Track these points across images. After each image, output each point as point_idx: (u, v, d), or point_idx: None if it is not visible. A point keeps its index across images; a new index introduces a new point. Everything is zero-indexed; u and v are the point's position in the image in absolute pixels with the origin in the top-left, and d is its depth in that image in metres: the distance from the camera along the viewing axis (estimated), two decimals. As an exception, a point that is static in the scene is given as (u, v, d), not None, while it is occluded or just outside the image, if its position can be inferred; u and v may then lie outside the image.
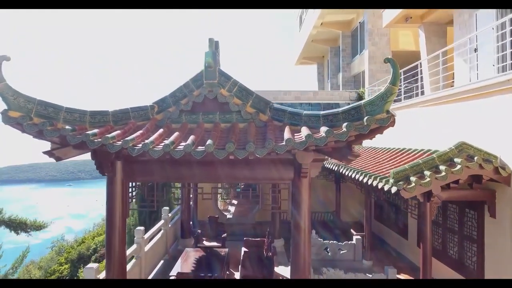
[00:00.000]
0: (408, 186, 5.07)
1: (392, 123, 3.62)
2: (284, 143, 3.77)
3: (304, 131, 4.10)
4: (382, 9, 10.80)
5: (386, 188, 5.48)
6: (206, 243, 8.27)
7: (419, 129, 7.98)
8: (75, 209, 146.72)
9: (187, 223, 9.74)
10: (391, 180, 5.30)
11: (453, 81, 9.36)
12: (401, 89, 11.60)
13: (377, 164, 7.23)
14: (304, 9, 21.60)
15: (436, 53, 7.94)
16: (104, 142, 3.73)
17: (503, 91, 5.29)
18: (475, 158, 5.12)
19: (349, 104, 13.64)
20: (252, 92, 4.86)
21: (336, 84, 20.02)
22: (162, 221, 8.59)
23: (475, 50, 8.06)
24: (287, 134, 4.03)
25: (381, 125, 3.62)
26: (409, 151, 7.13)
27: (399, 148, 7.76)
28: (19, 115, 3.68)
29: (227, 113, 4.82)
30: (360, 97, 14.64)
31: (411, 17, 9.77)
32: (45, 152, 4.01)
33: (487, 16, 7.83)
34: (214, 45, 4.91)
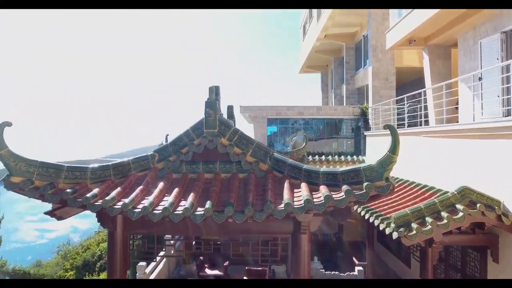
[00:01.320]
0: (409, 234, 5.04)
1: (392, 192, 3.60)
2: (283, 207, 3.76)
3: (304, 188, 4.10)
4: (387, 31, 10.72)
5: (387, 231, 5.45)
6: (208, 271, 8.30)
7: (421, 160, 7.92)
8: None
9: (189, 247, 9.77)
10: (392, 225, 5.27)
11: (457, 106, 9.29)
12: (403, 109, 11.56)
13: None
14: (308, 20, 21.54)
15: (440, 85, 7.86)
16: (104, 206, 3.77)
17: (507, 136, 5.23)
18: (478, 205, 5.07)
19: (352, 120, 13.60)
20: (253, 140, 4.86)
21: (340, 95, 19.95)
22: (163, 252, 8.62)
23: (480, 78, 7.98)
24: (286, 193, 4.02)
25: (380, 193, 3.60)
26: (411, 185, 7.08)
27: (401, 180, 7.71)
28: (20, 180, 3.73)
29: (227, 162, 4.82)
30: (363, 113, 14.59)
31: (414, 40, 9.69)
32: (46, 213, 4.05)
33: (491, 44, 7.74)
34: (214, 93, 4.93)
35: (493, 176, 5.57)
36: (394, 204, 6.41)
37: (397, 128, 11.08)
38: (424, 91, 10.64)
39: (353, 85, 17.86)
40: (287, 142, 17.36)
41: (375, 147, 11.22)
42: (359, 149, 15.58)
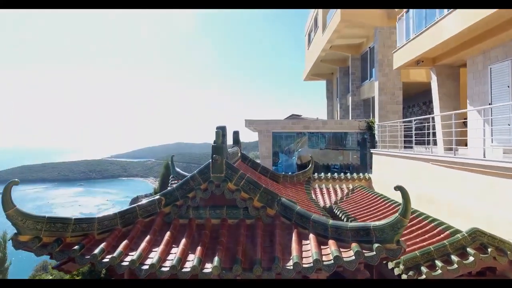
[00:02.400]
0: (419, 278, 4.97)
1: (403, 254, 3.53)
2: (291, 267, 3.72)
3: (312, 241, 4.06)
4: (394, 51, 10.59)
5: (396, 272, 5.38)
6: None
7: (429, 187, 7.82)
8: (87, 209, 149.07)
9: None
10: (402, 266, 5.20)
11: (465, 121, 9.14)
12: (411, 125, 11.44)
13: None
14: (313, 28, 21.41)
15: (449, 113, 7.74)
16: (112, 263, 3.75)
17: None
18: (489, 250, 4.98)
19: (358, 133, 13.48)
20: (260, 185, 4.82)
21: (346, 104, 19.83)
22: None
23: (490, 103, 7.85)
24: (294, 248, 3.97)
25: (391, 256, 3.53)
26: (420, 216, 6.97)
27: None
28: (28, 239, 3.73)
29: (234, 208, 4.79)
30: (369, 127, 14.48)
31: (422, 61, 9.56)
32: (55, 267, 4.04)
33: (501, 70, 7.61)
34: (220, 136, 4.90)
35: (504, 215, 5.47)
36: (402, 238, 6.32)
37: (404, 146, 10.98)
38: (431, 104, 10.52)
39: (359, 97, 17.72)
40: (291, 150, 17.29)
41: (381, 166, 11.11)
42: (365, 162, 15.48)
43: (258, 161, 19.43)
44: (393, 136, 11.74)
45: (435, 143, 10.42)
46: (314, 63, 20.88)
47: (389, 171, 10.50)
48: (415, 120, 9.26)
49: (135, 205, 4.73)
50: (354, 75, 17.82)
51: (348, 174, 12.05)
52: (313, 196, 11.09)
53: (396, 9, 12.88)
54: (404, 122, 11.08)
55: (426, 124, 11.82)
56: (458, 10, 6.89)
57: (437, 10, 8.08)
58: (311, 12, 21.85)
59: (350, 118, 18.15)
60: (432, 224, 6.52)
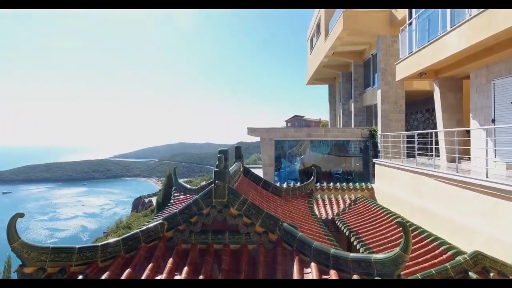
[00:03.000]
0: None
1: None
2: (293, 299, 3.74)
3: (314, 270, 4.08)
4: (396, 62, 10.57)
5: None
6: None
7: (431, 203, 7.81)
8: (90, 209, 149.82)
9: None
10: (403, 289, 5.20)
11: (468, 130, 9.09)
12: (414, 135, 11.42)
13: (381, 239, 7.14)
14: (315, 34, 21.39)
15: (451, 130, 7.71)
16: (115, 295, 3.79)
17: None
18: (491, 274, 4.98)
19: (360, 141, 13.48)
20: (262, 210, 4.85)
21: (348, 110, 19.80)
22: None
23: (493, 120, 7.83)
24: (296, 275, 4.00)
25: (391, 291, 3.54)
26: (422, 234, 6.97)
27: (411, 225, 7.60)
28: (33, 270, 3.78)
29: (236, 233, 4.81)
30: (372, 135, 14.45)
31: (425, 73, 9.53)
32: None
33: (505, 86, 7.58)
34: (223, 161, 4.93)
35: (506, 238, 5.46)
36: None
37: (407, 155, 10.96)
38: (434, 111, 10.49)
39: (361, 103, 17.70)
40: (293, 155, 17.30)
41: (384, 176, 11.10)
42: (367, 169, 15.46)
43: (259, 165, 19.41)
44: (395, 147, 11.74)
45: (437, 149, 10.41)
46: (316, 69, 20.86)
47: (391, 183, 10.49)
48: (418, 134, 9.25)
49: (138, 230, 4.77)
50: (356, 81, 17.80)
51: (351, 184, 12.05)
52: (315, 207, 11.12)
53: (399, 17, 12.88)
54: (407, 134, 11.04)
55: (429, 139, 11.84)
56: (460, 28, 6.86)
57: (440, 24, 8.06)
58: (313, 17, 21.84)
59: (352, 124, 18.14)
60: (435, 244, 6.51)
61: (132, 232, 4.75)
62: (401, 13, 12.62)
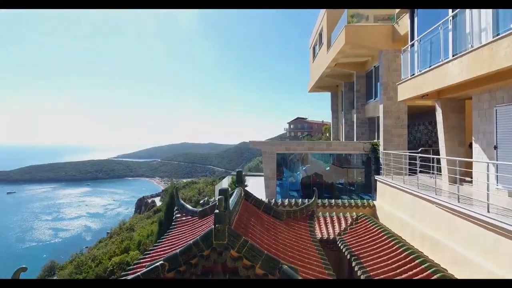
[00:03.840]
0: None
1: None
2: None
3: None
4: (398, 83, 10.53)
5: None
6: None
7: (433, 229, 7.78)
8: (93, 209, 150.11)
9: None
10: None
11: (471, 144, 9.05)
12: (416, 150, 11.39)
13: (381, 266, 7.13)
14: (318, 43, 21.36)
15: (454, 158, 7.68)
16: None
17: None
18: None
19: (362, 155, 13.44)
20: (262, 252, 4.87)
21: (350, 119, 19.77)
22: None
23: (495, 147, 7.79)
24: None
25: None
26: (422, 264, 6.96)
27: (409, 251, 7.58)
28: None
29: (236, 275, 4.84)
30: (374, 149, 14.42)
31: (427, 94, 9.49)
32: None
33: (508, 113, 7.53)
34: (223, 203, 4.95)
35: (507, 276, 5.44)
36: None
37: (409, 172, 10.93)
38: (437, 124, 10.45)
39: (364, 114, 17.66)
40: (296, 164, 17.31)
41: (385, 195, 11.07)
42: (369, 181, 15.44)
43: (261, 172, 19.29)
44: (397, 162, 11.71)
45: (439, 165, 10.36)
46: (319, 78, 20.85)
47: (393, 202, 10.47)
48: (420, 151, 9.21)
49: (138, 273, 4.80)
50: (359, 92, 17.76)
51: (352, 201, 12.03)
52: (317, 225, 11.13)
53: (402, 33, 12.83)
54: (409, 154, 11.00)
55: (431, 156, 11.79)
56: (462, 59, 6.83)
57: (442, 48, 8.02)
58: (316, 25, 21.79)
59: (355, 135, 18.11)
60: (436, 276, 6.50)
61: (133, 276, 4.78)
62: (403, 29, 12.58)
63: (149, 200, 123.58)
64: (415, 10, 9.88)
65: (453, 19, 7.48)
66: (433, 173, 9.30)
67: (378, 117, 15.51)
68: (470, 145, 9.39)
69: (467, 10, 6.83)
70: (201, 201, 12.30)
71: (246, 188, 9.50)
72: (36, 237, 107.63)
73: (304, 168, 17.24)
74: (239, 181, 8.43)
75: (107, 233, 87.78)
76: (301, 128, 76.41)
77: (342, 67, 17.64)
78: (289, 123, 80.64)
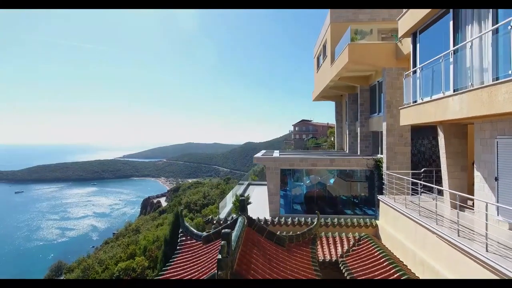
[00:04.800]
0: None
1: None
2: None
3: None
4: (401, 107, 10.60)
5: None
6: None
7: (433, 259, 7.87)
8: (100, 208, 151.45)
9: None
10: None
11: (473, 163, 9.08)
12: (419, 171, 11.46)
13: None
14: (321, 54, 21.43)
15: (454, 192, 7.75)
16: None
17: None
18: None
19: (366, 171, 13.52)
20: (262, 297, 5.02)
21: (354, 131, 19.83)
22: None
23: (496, 179, 7.84)
24: None
25: None
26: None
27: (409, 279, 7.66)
28: None
29: (238, 320, 5.00)
30: (377, 165, 14.49)
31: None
32: None
33: (509, 146, 7.58)
34: (225, 250, 5.12)
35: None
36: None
37: (411, 194, 11.00)
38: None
39: (367, 128, 17.71)
40: (299, 176, 17.43)
41: (388, 216, 11.15)
42: (373, 195, 15.50)
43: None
44: (400, 180, 11.80)
45: (441, 194, 10.43)
46: (323, 89, 20.92)
47: (395, 224, 10.55)
48: (421, 185, 9.29)
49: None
50: (362, 106, 17.81)
51: (355, 220, 12.12)
52: (319, 247, 11.24)
53: (405, 52, 12.87)
54: (411, 180, 11.06)
55: (434, 178, 11.84)
56: (462, 97, 6.90)
57: (443, 79, 8.07)
58: (320, 36, 21.83)
59: (358, 148, 18.16)
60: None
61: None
62: (406, 48, 12.62)
63: (155, 201, 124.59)
64: (417, 35, 9.94)
65: (454, 53, 7.54)
66: (436, 195, 9.37)
67: (381, 132, 15.57)
68: (473, 163, 9.42)
69: (468, 48, 6.90)
70: (205, 219, 12.49)
71: (251, 197, 9.69)
72: (44, 236, 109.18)
73: (308, 182, 17.36)
74: (242, 210, 8.58)
75: (113, 233, 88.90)
76: (306, 130, 76.37)
77: (346, 80, 17.70)
78: (294, 125, 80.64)
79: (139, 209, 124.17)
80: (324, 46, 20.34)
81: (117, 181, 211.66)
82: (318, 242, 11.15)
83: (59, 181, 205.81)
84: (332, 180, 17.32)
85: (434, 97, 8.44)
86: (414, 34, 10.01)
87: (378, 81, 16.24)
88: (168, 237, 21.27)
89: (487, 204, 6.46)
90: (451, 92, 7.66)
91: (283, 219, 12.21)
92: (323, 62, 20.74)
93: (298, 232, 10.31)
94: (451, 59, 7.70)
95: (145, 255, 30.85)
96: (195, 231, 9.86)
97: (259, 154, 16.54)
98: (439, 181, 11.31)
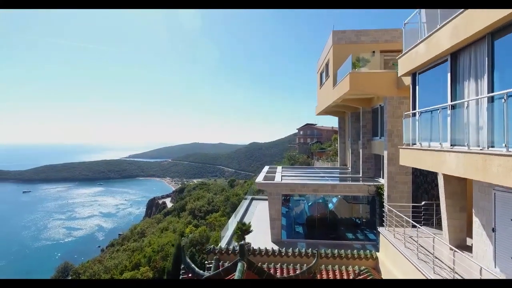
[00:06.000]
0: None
1: None
2: None
3: None
4: (401, 147, 10.65)
5: None
6: None
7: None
8: (106, 208, 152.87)
9: None
10: None
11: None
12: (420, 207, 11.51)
13: None
14: (324, 70, 21.48)
15: (453, 249, 7.82)
16: None
17: None
18: None
19: (368, 197, 13.59)
20: None
21: (357, 150, 19.87)
22: None
23: (493, 230, 7.89)
24: None
25: None
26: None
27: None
28: None
29: None
30: (379, 193, 14.55)
31: (430, 164, 9.60)
32: None
33: (506, 201, 7.62)
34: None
35: None
36: None
37: (412, 226, 11.06)
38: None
39: (370, 150, 17.75)
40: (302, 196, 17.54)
41: (388, 251, 11.23)
42: (375, 217, 15.58)
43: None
44: (400, 211, 11.87)
45: (440, 228, 10.47)
46: (325, 108, 20.98)
47: (394, 262, 10.63)
48: (423, 223, 9.35)
49: None
50: (365, 128, 17.85)
51: (355, 252, 12.21)
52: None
53: (406, 83, 12.89)
54: (411, 221, 11.12)
55: (435, 212, 11.88)
56: (459, 156, 6.97)
57: (440, 131, 8.10)
58: (323, 55, 21.87)
59: (361, 169, 18.22)
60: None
61: None
62: (408, 78, 12.66)
63: (160, 201, 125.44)
64: (416, 75, 9.99)
65: (451, 108, 7.60)
66: (434, 237, 9.42)
67: (383, 156, 15.62)
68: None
69: (464, 107, 6.95)
70: (207, 249, 12.67)
71: (254, 214, 9.85)
72: (51, 236, 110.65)
73: (310, 203, 17.47)
74: (241, 256, 8.73)
75: (119, 234, 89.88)
76: (311, 134, 76.33)
77: (348, 102, 17.75)
78: (299, 129, 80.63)
79: (145, 209, 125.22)
80: (327, 65, 20.39)
81: (123, 181, 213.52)
82: (318, 276, 11.29)
83: (66, 181, 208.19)
84: (334, 199, 17.42)
85: (432, 144, 8.49)
86: (413, 74, 10.06)
87: (380, 105, 16.27)
88: (170, 269, 21.58)
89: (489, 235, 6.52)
90: (448, 145, 7.71)
91: (283, 250, 12.36)
92: (325, 81, 20.79)
93: (297, 270, 10.48)
94: (449, 111, 7.76)
95: (150, 266, 31.22)
96: (196, 269, 10.05)
97: (261, 177, 16.67)
98: (440, 213, 11.37)
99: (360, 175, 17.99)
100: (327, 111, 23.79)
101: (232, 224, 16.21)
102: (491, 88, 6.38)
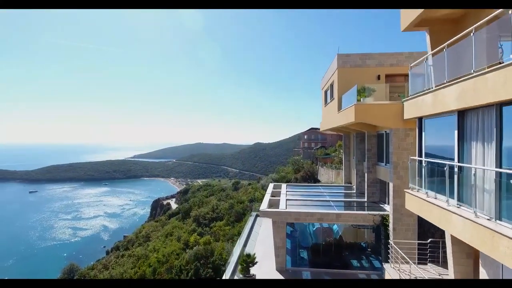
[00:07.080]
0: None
1: None
2: None
3: None
4: (406, 190, 10.58)
5: None
6: None
7: None
8: (111, 209, 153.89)
9: None
10: None
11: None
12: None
13: None
14: (329, 89, 21.39)
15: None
16: None
17: None
18: None
19: (373, 227, 13.53)
20: None
21: (362, 171, 19.79)
22: None
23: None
24: None
25: None
26: None
27: None
28: None
29: None
30: (384, 224, 14.49)
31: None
32: None
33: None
34: None
35: None
36: None
37: (418, 263, 11.01)
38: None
39: (375, 175, 17.66)
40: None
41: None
42: (380, 243, 15.51)
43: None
44: (406, 248, 11.84)
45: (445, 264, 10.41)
46: (330, 128, 20.92)
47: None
48: (429, 260, 9.30)
49: None
50: (370, 151, 17.76)
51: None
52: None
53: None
54: (418, 242, 11.09)
55: (441, 248, 11.81)
56: (465, 220, 6.90)
57: (447, 187, 8.01)
58: (328, 74, 21.76)
59: (366, 193, 18.14)
60: None
61: None
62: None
63: (164, 202, 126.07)
64: (422, 120, 9.90)
65: (459, 171, 7.52)
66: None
67: (389, 183, 15.54)
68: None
69: (472, 174, 6.88)
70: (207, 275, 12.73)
71: (259, 233, 9.84)
72: (56, 236, 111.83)
73: (314, 228, 17.44)
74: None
75: (124, 236, 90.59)
76: (315, 139, 76.13)
77: (353, 126, 17.65)
78: (303, 133, 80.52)
79: (149, 210, 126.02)
80: (331, 86, 20.31)
81: (127, 181, 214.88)
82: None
83: (72, 181, 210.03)
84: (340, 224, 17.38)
85: (438, 197, 8.42)
86: (419, 119, 9.99)
87: (385, 131, 16.17)
88: None
89: None
90: (455, 203, 7.64)
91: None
92: (330, 102, 20.71)
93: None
94: (456, 169, 7.69)
95: (155, 278, 31.40)
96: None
97: (265, 204, 16.64)
98: (446, 249, 11.31)
99: (365, 199, 17.92)
100: (332, 129, 23.72)
101: (236, 251, 16.26)
102: (499, 160, 6.31)
